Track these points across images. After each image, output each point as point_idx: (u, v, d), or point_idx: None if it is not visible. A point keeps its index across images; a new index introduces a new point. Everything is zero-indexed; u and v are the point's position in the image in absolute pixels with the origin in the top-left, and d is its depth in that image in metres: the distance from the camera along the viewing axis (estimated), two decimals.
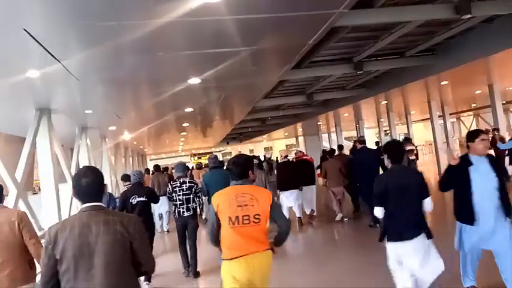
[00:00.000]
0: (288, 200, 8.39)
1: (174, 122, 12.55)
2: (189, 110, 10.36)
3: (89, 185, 2.22)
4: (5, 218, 3.25)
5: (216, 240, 2.90)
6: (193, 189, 5.89)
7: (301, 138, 31.74)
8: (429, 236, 3.33)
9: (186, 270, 5.96)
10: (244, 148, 44.19)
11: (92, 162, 11.25)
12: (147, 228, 4.31)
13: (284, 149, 11.29)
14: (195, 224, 5.89)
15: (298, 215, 8.62)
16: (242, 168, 2.94)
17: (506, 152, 9.68)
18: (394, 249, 3.33)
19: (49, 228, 2.22)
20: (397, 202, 3.31)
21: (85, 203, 2.22)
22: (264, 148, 44.18)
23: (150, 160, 41.20)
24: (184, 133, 14.73)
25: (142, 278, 5.19)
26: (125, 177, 7.71)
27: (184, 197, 5.81)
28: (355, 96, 13.23)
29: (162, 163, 37.50)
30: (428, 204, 3.36)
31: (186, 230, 5.89)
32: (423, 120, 29.27)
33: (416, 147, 10.91)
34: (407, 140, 10.87)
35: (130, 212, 5.39)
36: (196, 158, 42.43)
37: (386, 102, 15.04)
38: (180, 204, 5.82)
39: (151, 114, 10.29)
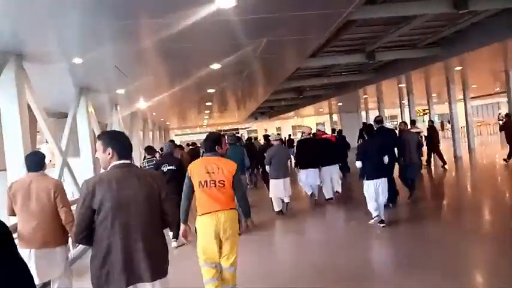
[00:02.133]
0: (307, 179, 8.51)
1: (196, 91, 12.29)
2: (211, 90, 11.65)
3: (125, 144, 2.64)
4: (43, 185, 3.78)
5: (189, 197, 3.68)
6: None
7: (335, 117, 32.32)
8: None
9: None
10: (270, 126, 45.37)
11: None
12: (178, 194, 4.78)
13: (307, 126, 11.35)
14: None
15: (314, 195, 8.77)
16: (212, 143, 3.76)
17: None
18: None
19: (86, 181, 2.50)
20: (369, 158, 6.37)
21: (120, 160, 2.56)
22: (292, 126, 45.11)
23: (176, 136, 43.32)
24: (210, 103, 15.28)
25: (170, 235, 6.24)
26: (149, 150, 8.43)
27: None
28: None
29: (187, 138, 39.47)
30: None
31: None
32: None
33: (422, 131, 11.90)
34: (413, 122, 11.86)
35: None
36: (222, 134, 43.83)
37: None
38: None
39: (168, 77, 9.92)
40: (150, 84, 10.22)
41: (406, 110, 23.69)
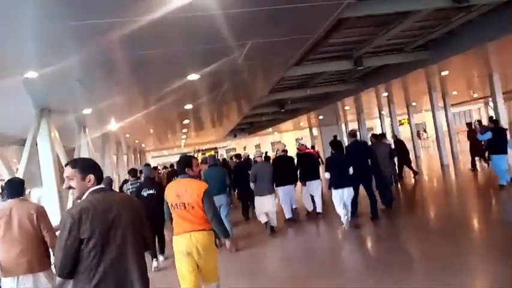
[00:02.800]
0: (284, 196, 8.41)
1: (172, 108, 11.39)
2: (188, 106, 10.80)
3: (100, 169, 2.63)
4: (24, 210, 3.79)
5: (169, 217, 3.92)
6: None
7: (315, 131, 31.96)
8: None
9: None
10: (249, 143, 44.69)
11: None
12: (157, 219, 5.39)
13: (282, 143, 11.00)
14: None
15: (287, 214, 8.55)
16: (182, 166, 3.89)
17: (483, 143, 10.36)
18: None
19: (68, 211, 2.42)
20: (337, 169, 7.13)
21: (97, 185, 2.54)
22: (271, 143, 44.52)
23: (152, 158, 41.98)
24: (187, 121, 14.38)
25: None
26: (133, 172, 8.10)
27: None
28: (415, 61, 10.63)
29: (165, 160, 38.27)
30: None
31: None
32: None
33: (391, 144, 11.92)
34: (383, 136, 11.40)
35: (142, 203, 6.19)
36: (200, 154, 42.96)
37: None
38: None
39: (140, 93, 8.99)
40: (120, 102, 9.29)
41: (387, 120, 24.14)
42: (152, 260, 6.39)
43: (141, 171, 8.26)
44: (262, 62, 7.45)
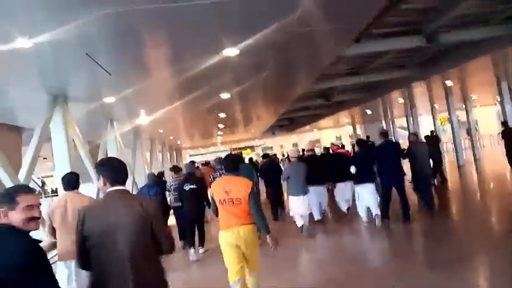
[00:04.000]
0: (313, 197, 7.95)
1: (209, 98, 10.30)
2: (225, 95, 9.38)
3: (116, 170, 2.59)
4: (78, 202, 4.01)
5: (215, 212, 4.10)
6: None
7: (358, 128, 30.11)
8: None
9: None
10: (287, 141, 42.88)
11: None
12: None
13: (311, 142, 10.33)
14: None
15: (315, 216, 8.26)
16: (233, 164, 4.16)
17: None
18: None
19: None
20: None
21: (112, 186, 2.56)
22: (309, 141, 42.46)
23: (190, 156, 41.15)
24: (223, 114, 12.96)
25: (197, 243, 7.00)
26: (175, 169, 8.67)
27: None
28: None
29: (202, 158, 37.29)
30: (352, 169, 7.33)
31: None
32: None
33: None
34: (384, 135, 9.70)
35: (183, 197, 6.95)
36: (237, 151, 41.81)
37: None
38: None
39: (172, 82, 8.05)
40: (149, 89, 7.98)
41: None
42: (190, 250, 6.84)
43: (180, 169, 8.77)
44: (317, 30, 5.85)
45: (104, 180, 2.55)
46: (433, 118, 23.39)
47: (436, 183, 10.58)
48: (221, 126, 17.52)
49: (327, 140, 37.67)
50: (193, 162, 8.70)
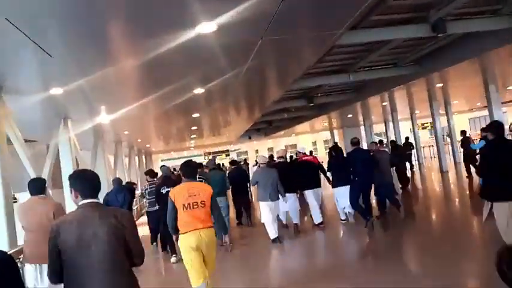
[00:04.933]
0: (282, 203, 7.89)
1: (179, 96, 9.10)
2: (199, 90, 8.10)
3: (87, 183, 2.60)
4: (44, 207, 4.33)
5: (174, 221, 4.21)
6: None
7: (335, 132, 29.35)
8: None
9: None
10: (263, 146, 41.80)
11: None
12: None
13: (282, 149, 10.09)
14: None
15: (294, 220, 8.30)
16: (193, 170, 4.57)
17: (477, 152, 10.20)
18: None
19: (52, 223, 2.58)
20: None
21: (84, 199, 2.55)
22: (285, 146, 41.51)
23: (162, 161, 39.33)
24: (197, 114, 11.56)
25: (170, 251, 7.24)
26: (150, 172, 8.74)
27: None
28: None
29: (175, 163, 35.60)
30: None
31: None
32: None
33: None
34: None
35: (161, 200, 6.87)
36: (211, 156, 40.45)
37: None
38: None
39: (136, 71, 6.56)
40: (108, 82, 6.62)
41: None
42: (171, 255, 7.14)
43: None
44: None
45: (75, 193, 2.57)
46: (412, 124, 23.01)
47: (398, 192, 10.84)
48: (194, 128, 16.11)
49: (305, 145, 37.00)
50: (191, 162, 8.35)
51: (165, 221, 6.27)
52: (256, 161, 9.19)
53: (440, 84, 12.50)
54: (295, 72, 8.41)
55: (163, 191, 6.97)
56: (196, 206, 4.02)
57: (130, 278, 2.59)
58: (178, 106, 10.12)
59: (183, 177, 4.42)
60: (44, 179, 4.71)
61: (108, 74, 6.05)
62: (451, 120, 20.17)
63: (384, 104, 16.11)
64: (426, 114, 21.36)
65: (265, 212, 7.46)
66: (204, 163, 10.75)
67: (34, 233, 4.19)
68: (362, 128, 27.47)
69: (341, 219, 8.49)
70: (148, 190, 7.91)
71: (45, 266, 3.84)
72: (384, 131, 26.22)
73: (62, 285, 2.46)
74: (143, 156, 24.58)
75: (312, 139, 39.47)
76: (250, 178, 8.61)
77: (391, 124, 23.64)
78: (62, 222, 2.50)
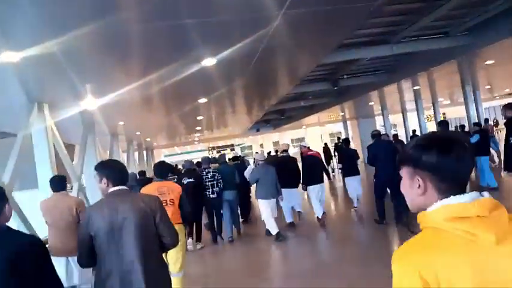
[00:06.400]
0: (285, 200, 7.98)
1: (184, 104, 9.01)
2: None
3: (117, 171, 2.76)
4: (67, 203, 4.50)
5: None
6: (216, 177, 7.85)
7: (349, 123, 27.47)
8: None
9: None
10: (268, 140, 39.78)
11: None
12: (198, 200, 7.55)
13: (285, 143, 9.24)
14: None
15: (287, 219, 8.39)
16: (163, 170, 5.05)
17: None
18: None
19: (85, 210, 2.98)
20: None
21: (114, 187, 2.69)
22: (291, 140, 39.47)
23: (165, 156, 37.43)
24: (204, 100, 9.50)
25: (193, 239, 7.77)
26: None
27: (209, 182, 7.83)
28: None
29: (178, 159, 33.68)
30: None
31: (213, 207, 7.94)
32: None
33: None
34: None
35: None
36: (215, 151, 38.70)
37: None
38: (207, 188, 7.81)
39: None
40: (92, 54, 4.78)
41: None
42: (188, 240, 7.33)
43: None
44: None
45: (107, 181, 2.68)
46: (434, 112, 21.25)
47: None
48: (200, 118, 14.15)
49: (312, 139, 35.02)
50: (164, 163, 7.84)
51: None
52: (254, 158, 8.68)
53: (491, 61, 10.54)
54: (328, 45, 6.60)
55: (185, 182, 7.52)
56: (165, 204, 4.05)
57: (160, 261, 2.75)
58: (182, 91, 8.29)
59: (154, 177, 4.85)
60: (65, 176, 4.86)
61: (89, 39, 4.24)
62: (480, 107, 18.23)
63: (415, 88, 14.15)
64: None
65: (265, 210, 7.50)
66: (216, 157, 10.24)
67: (58, 228, 4.37)
68: (377, 118, 25.77)
69: (354, 207, 9.26)
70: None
71: (71, 259, 4.31)
72: (400, 121, 24.50)
73: (91, 269, 2.73)
74: (144, 151, 22.70)
75: (321, 132, 37.43)
76: (246, 175, 8.44)
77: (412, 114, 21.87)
78: (93, 209, 2.68)
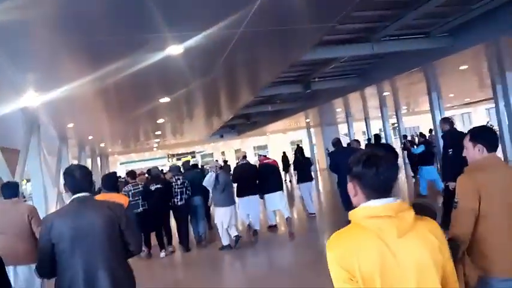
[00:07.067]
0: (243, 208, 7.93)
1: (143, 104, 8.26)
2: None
3: (77, 178, 2.64)
4: (18, 210, 4.35)
5: None
6: (185, 184, 8.00)
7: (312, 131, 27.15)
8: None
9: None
10: (229, 147, 38.86)
11: None
12: (165, 206, 7.76)
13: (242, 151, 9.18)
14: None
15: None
16: (110, 181, 5.31)
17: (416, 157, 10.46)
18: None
19: (44, 218, 2.72)
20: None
21: (76, 194, 2.62)
22: (253, 147, 38.78)
23: (121, 164, 35.48)
24: (166, 99, 8.48)
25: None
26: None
27: (179, 189, 7.90)
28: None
29: (135, 167, 31.82)
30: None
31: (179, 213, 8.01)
32: None
33: None
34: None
35: (150, 196, 7.48)
36: (175, 159, 37.28)
37: None
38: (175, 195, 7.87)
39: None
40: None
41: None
42: (160, 250, 7.62)
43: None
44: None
45: (68, 187, 2.65)
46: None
47: None
48: (160, 121, 13.05)
49: (275, 147, 34.50)
50: (115, 173, 8.23)
51: (154, 217, 7.44)
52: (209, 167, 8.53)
53: (465, 66, 10.35)
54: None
55: (153, 188, 7.63)
56: None
57: (126, 267, 2.68)
58: (142, 87, 7.29)
59: (102, 189, 5.08)
60: (17, 183, 4.90)
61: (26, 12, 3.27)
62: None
63: (385, 93, 13.88)
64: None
65: (219, 218, 7.52)
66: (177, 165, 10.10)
67: (8, 236, 4.21)
68: (340, 126, 25.67)
69: (310, 213, 9.68)
70: (132, 191, 7.46)
71: (19, 268, 4.18)
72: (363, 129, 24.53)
73: (54, 279, 2.52)
74: (98, 158, 21.12)
75: (285, 139, 37.03)
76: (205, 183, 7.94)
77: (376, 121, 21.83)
78: (56, 216, 2.62)
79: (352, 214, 1.52)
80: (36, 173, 8.82)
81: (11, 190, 4.47)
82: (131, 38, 4.59)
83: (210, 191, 7.91)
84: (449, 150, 5.74)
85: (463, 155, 2.44)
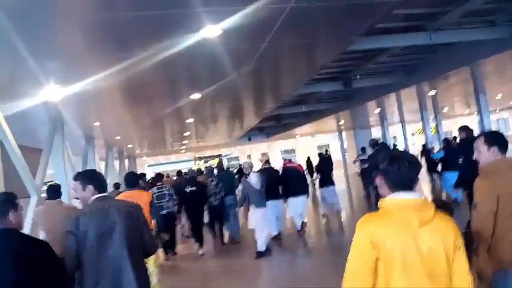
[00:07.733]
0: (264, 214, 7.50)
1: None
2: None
3: (101, 180, 2.85)
4: (61, 210, 4.54)
5: None
6: (219, 185, 8.27)
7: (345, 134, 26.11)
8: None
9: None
10: (256, 150, 38.00)
11: None
12: (200, 208, 8.08)
13: (265, 155, 8.42)
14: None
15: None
16: (131, 179, 5.37)
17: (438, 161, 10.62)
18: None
19: (70, 217, 2.71)
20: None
21: (99, 193, 2.75)
22: (281, 151, 37.78)
23: (148, 166, 35.36)
24: (197, 95, 7.80)
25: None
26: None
27: (213, 190, 8.21)
28: None
29: (162, 169, 31.50)
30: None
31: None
32: None
33: None
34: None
35: (183, 198, 7.86)
36: (202, 161, 36.85)
37: None
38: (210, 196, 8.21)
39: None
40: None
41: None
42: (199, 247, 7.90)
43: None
44: None
45: (93, 189, 2.72)
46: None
47: None
48: (189, 120, 12.44)
49: (303, 150, 33.48)
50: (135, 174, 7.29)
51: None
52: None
53: None
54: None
55: (188, 190, 7.89)
56: None
57: (143, 264, 2.82)
58: (173, 79, 6.64)
59: (125, 186, 5.34)
60: (60, 185, 5.03)
61: None
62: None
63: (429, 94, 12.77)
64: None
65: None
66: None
67: (53, 234, 4.29)
68: (373, 129, 24.55)
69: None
70: (157, 194, 7.52)
71: None
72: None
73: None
74: (126, 160, 20.81)
75: (313, 143, 35.93)
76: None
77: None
78: (80, 215, 2.64)
79: (382, 201, 1.82)
80: (59, 174, 8.34)
81: (55, 192, 4.83)
82: (160, 13, 3.89)
83: (240, 193, 7.97)
84: (460, 158, 6.10)
85: (474, 157, 2.55)
